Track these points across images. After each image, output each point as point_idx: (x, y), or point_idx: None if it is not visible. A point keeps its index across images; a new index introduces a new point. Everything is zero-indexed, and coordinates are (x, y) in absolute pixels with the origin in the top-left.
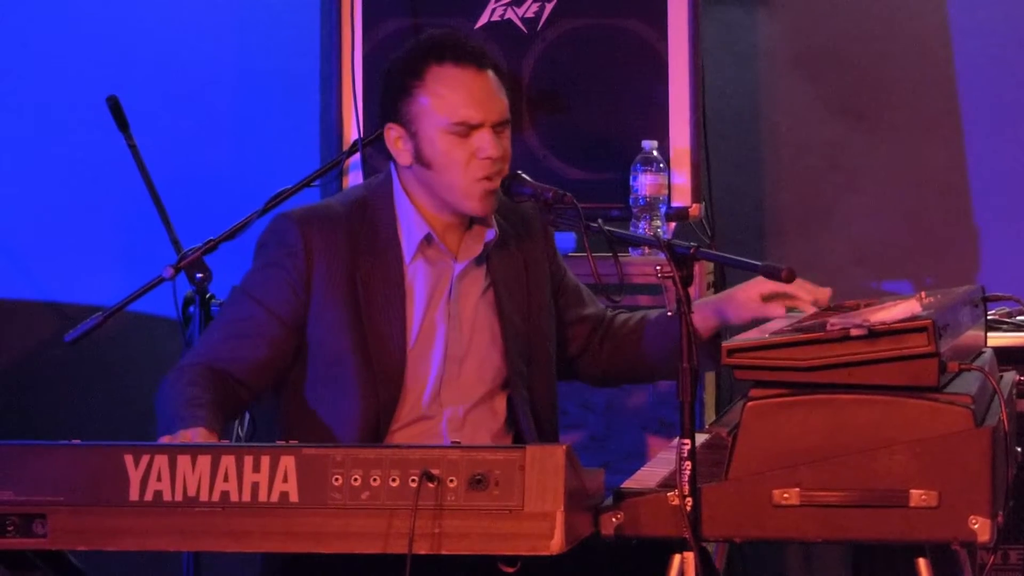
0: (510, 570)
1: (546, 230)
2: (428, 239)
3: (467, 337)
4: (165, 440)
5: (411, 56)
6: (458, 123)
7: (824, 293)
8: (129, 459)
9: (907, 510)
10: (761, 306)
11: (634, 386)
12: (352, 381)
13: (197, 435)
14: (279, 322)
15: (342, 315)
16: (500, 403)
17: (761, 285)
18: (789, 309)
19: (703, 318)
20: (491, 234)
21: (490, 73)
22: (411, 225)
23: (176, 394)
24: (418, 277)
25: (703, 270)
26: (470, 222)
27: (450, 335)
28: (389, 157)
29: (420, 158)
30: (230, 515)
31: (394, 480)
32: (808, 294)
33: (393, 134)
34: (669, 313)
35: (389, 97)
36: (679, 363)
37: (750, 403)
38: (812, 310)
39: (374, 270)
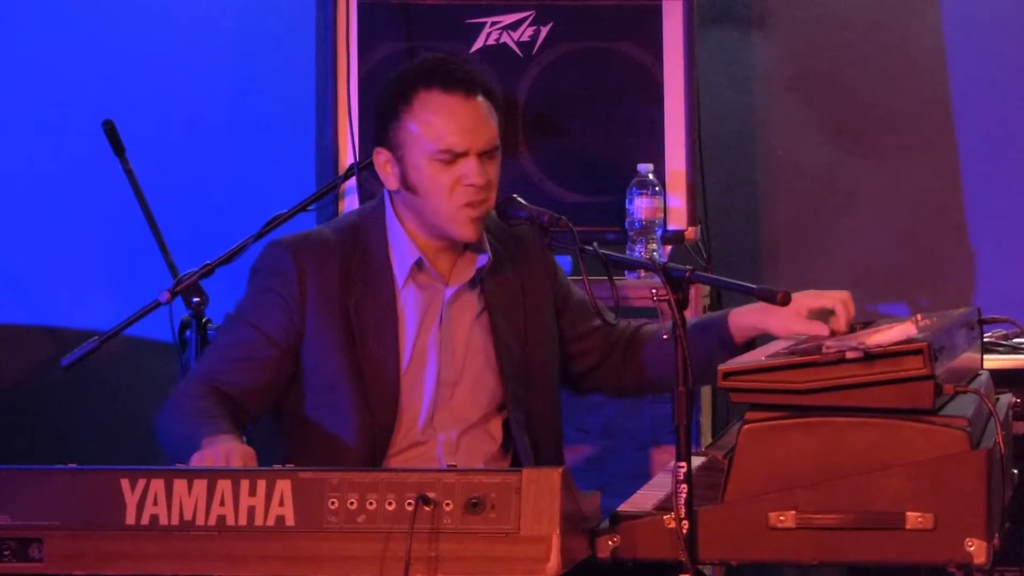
0: None
1: (544, 251)
2: (419, 264)
3: (460, 361)
4: (196, 458)
5: (400, 80)
6: (443, 150)
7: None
8: (125, 483)
9: (903, 532)
10: (806, 323)
11: (630, 408)
12: (347, 407)
13: (230, 440)
14: (275, 346)
15: (335, 340)
16: (496, 426)
17: (810, 300)
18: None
19: (743, 326)
20: (483, 259)
21: (480, 99)
22: (403, 250)
23: (184, 413)
24: (409, 302)
25: (699, 293)
26: (463, 247)
27: (442, 360)
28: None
29: (406, 183)
30: (226, 539)
31: (390, 504)
32: (845, 321)
33: (381, 158)
34: (664, 336)
35: (378, 121)
36: (675, 386)
37: (746, 426)
38: (844, 329)
39: (366, 296)
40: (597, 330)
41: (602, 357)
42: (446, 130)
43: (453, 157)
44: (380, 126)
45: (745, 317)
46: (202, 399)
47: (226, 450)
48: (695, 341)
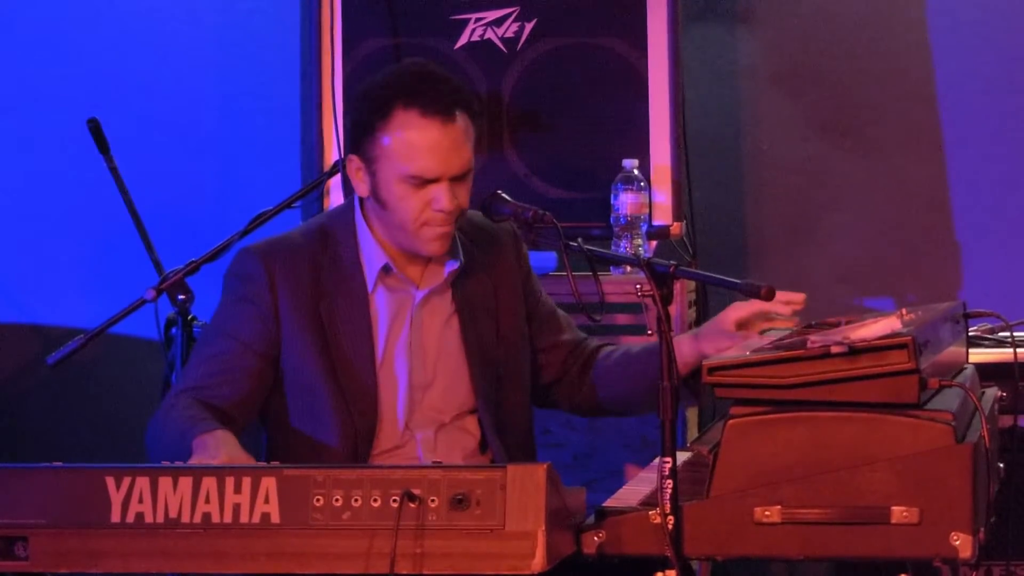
0: None
1: (519, 253)
2: (386, 269)
3: (431, 364)
4: (196, 458)
5: (380, 92)
6: (414, 175)
7: (797, 296)
8: (111, 481)
9: (889, 527)
10: (735, 334)
11: None
12: (327, 409)
13: (223, 435)
14: (255, 355)
15: (311, 343)
16: (472, 423)
17: (735, 311)
18: (764, 331)
19: (680, 355)
20: (454, 264)
21: (458, 122)
22: (372, 254)
23: (174, 421)
24: (381, 305)
25: (684, 288)
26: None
27: (413, 363)
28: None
29: (376, 195)
30: (212, 536)
31: (375, 500)
32: (784, 307)
33: (353, 165)
34: (649, 332)
35: (354, 127)
36: (660, 382)
37: (731, 421)
38: (794, 320)
39: (338, 298)
40: (561, 345)
41: (561, 373)
42: (420, 157)
43: (423, 182)
44: (355, 133)
45: (680, 348)
46: (190, 408)
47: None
48: (643, 374)
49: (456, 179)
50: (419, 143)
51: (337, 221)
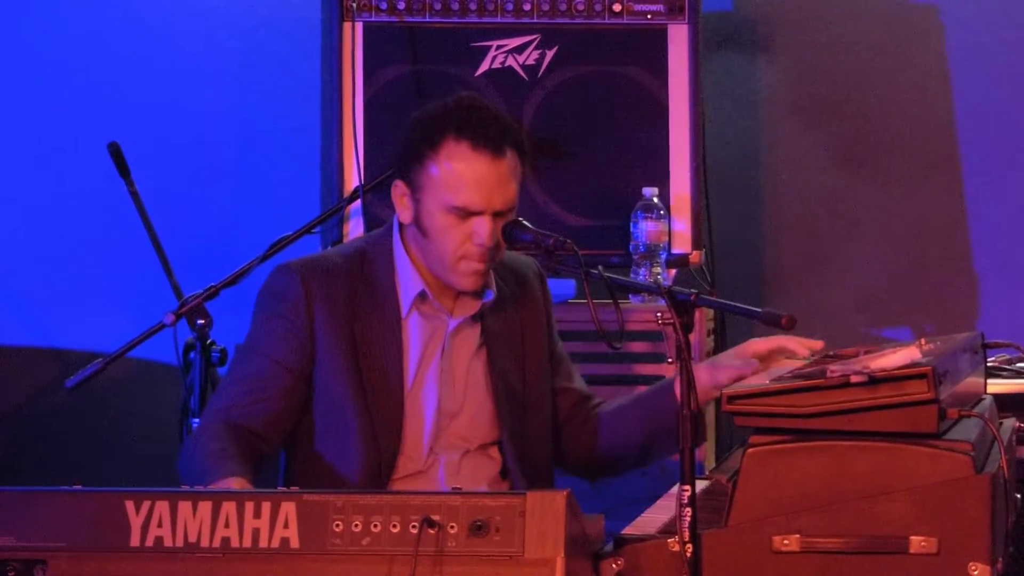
0: None
1: (545, 295)
2: (422, 296)
3: (460, 393)
4: None
5: (432, 122)
6: (458, 207)
7: (817, 344)
8: (130, 505)
9: (907, 556)
10: (753, 365)
11: None
12: (353, 429)
13: (237, 483)
14: (288, 373)
15: (342, 363)
16: (495, 451)
17: (756, 345)
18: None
19: (697, 383)
20: (489, 295)
21: (507, 159)
22: (408, 280)
23: (199, 453)
24: (414, 330)
25: (703, 317)
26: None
27: (443, 390)
28: (392, 207)
29: (418, 223)
30: (231, 561)
31: (395, 526)
32: (804, 350)
33: (399, 191)
34: (669, 360)
35: (403, 154)
36: (680, 410)
37: (750, 450)
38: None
39: (372, 321)
40: (568, 392)
41: (564, 420)
42: (466, 189)
43: (468, 215)
44: (403, 160)
45: (695, 378)
46: (217, 439)
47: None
48: (638, 421)
49: (499, 215)
50: (467, 175)
51: (375, 245)
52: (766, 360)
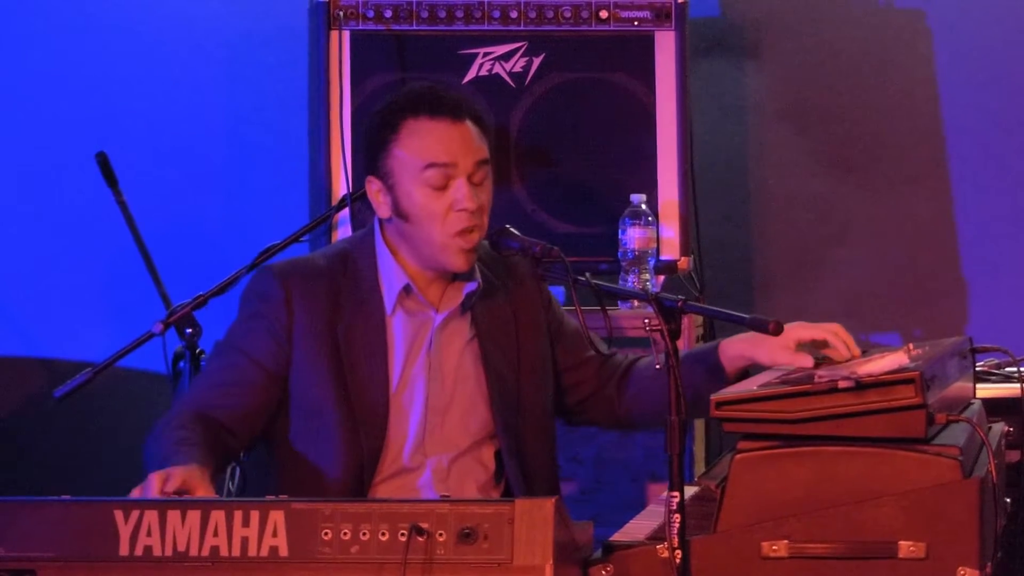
0: None
1: (540, 284)
2: (407, 290)
3: (450, 388)
4: (153, 475)
5: (388, 110)
6: (428, 165)
7: (856, 350)
8: (119, 514)
9: (896, 562)
10: (793, 354)
11: (623, 439)
12: (334, 432)
13: (189, 471)
14: (263, 371)
15: (324, 365)
16: (488, 454)
17: (799, 331)
18: (819, 359)
19: (733, 356)
20: (472, 285)
21: (468, 124)
22: (391, 277)
23: (165, 438)
24: (399, 328)
25: (692, 323)
26: (452, 275)
27: (431, 386)
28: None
29: (399, 211)
30: (220, 570)
31: (383, 534)
32: (844, 349)
33: (373, 187)
34: (657, 367)
35: (367, 151)
36: (667, 416)
37: (738, 455)
38: (845, 357)
39: (355, 321)
40: (591, 361)
41: (595, 388)
42: (433, 147)
43: (443, 179)
44: (369, 156)
45: (735, 347)
46: (184, 428)
47: (165, 473)
48: (688, 373)
49: (474, 175)
50: (430, 138)
51: (358, 245)
52: (803, 350)
